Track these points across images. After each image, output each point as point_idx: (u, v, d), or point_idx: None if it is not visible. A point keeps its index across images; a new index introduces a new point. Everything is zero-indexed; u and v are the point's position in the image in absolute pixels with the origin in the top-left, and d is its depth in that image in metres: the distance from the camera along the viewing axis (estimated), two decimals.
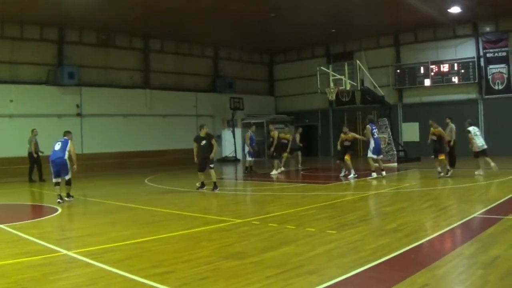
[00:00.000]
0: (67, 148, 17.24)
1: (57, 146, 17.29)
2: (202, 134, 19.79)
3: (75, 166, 17.44)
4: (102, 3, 26.93)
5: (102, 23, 31.84)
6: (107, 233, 11.23)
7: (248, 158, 27.96)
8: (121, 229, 11.74)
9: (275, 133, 26.70)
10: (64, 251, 9.17)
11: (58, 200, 16.78)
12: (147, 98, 36.36)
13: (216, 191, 19.29)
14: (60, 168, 17.19)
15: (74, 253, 9.02)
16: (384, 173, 22.85)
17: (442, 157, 21.86)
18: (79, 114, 32.25)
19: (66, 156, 17.15)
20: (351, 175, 22.67)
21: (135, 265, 8.06)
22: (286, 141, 27.24)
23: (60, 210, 15.17)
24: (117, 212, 14.82)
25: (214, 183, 19.63)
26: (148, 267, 7.90)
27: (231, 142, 40.28)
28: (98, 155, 31.82)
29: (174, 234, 10.71)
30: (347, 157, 22.95)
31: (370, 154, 23.45)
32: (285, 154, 27.24)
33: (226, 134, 40.94)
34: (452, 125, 25.55)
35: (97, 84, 33.70)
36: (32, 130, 26.39)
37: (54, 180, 17.22)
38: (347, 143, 23.33)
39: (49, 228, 12.38)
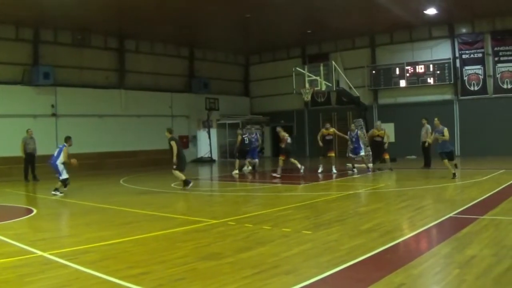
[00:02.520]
0: (61, 155, 19.41)
1: (55, 153, 19.72)
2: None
3: (74, 162, 19.62)
4: (78, 3, 26.77)
5: (78, 23, 31.66)
6: (82, 234, 11.19)
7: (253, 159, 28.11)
8: (97, 230, 11.70)
9: (284, 134, 26.70)
10: (40, 253, 9.10)
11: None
12: (122, 99, 36.24)
13: (188, 188, 19.80)
14: (55, 170, 19.43)
15: (49, 254, 8.94)
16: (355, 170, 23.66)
17: (386, 156, 23.68)
18: (54, 114, 32.05)
19: (59, 161, 19.30)
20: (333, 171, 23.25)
21: (111, 266, 8.03)
22: (331, 137, 26.46)
23: (35, 211, 15.09)
24: (92, 213, 14.75)
25: (183, 181, 20.14)
26: (124, 268, 7.89)
27: (207, 143, 40.25)
28: (73, 156, 31.30)
29: (149, 235, 10.69)
30: (331, 154, 23.54)
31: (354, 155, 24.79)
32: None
33: (202, 135, 40.90)
34: (428, 126, 25.73)
35: (72, 84, 33.47)
36: (27, 130, 26.72)
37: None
38: (329, 137, 24.97)
39: (24, 229, 12.30)
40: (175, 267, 7.87)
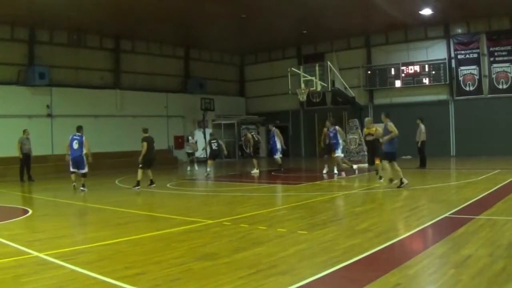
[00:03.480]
0: (84, 145, 20.05)
1: (75, 145, 19.99)
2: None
3: (90, 159, 20.21)
4: (73, 3, 26.79)
5: (73, 23, 31.67)
6: (78, 234, 11.20)
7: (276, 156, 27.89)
8: (93, 230, 11.71)
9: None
10: (35, 253, 9.09)
11: (74, 184, 20.42)
12: (117, 99, 36.23)
13: (135, 189, 20.79)
14: (79, 164, 20.16)
15: (45, 255, 8.92)
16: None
17: (377, 161, 20.68)
18: (49, 115, 32.03)
19: (84, 153, 20.02)
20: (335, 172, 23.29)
21: (107, 267, 8.02)
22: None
23: (31, 211, 15.08)
24: (88, 214, 14.77)
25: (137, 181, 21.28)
26: (120, 269, 7.88)
27: (202, 143, 40.24)
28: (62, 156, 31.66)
29: (145, 236, 10.68)
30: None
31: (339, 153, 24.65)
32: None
33: (197, 135, 40.91)
34: (422, 126, 25.75)
35: (67, 84, 33.47)
36: (24, 131, 26.68)
37: (71, 170, 20.50)
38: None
39: (20, 229, 12.27)
40: (171, 268, 7.87)
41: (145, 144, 21.19)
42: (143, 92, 38.00)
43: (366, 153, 27.69)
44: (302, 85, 29.16)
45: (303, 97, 29.56)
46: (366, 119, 22.09)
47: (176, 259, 8.46)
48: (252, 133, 28.55)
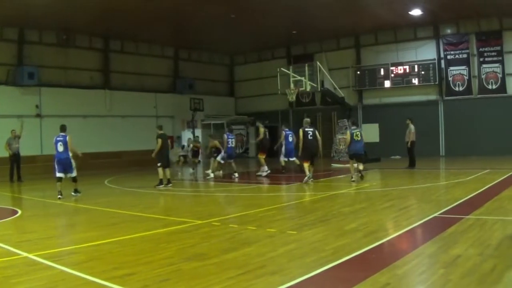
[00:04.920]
0: (68, 145, 18.30)
1: (60, 147, 18.26)
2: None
3: (79, 153, 19.06)
4: (62, 3, 26.70)
5: (62, 23, 31.53)
6: (67, 235, 11.19)
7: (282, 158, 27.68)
8: (81, 231, 11.69)
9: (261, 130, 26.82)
10: (25, 254, 9.07)
11: (59, 196, 17.64)
12: (106, 99, 36.14)
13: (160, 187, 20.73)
14: (67, 166, 18.35)
15: (34, 255, 8.89)
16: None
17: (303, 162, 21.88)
18: (38, 115, 31.92)
19: (71, 154, 18.43)
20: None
21: (96, 268, 8.01)
22: None
23: (20, 212, 15.04)
24: (77, 214, 14.75)
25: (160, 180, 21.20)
26: (109, 269, 7.86)
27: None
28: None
29: (134, 236, 10.66)
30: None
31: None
32: None
33: (187, 135, 40.83)
34: (412, 126, 25.83)
35: (57, 84, 33.38)
36: (11, 131, 26.69)
37: (58, 175, 18.20)
38: None
39: (8, 230, 12.24)
40: (160, 268, 7.86)
41: (160, 141, 21.19)
42: (133, 92, 37.92)
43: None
44: (292, 85, 29.10)
45: (292, 97, 29.49)
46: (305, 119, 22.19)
47: (166, 259, 8.45)
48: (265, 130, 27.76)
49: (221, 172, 26.38)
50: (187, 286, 6.96)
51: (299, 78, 29.00)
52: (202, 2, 28.28)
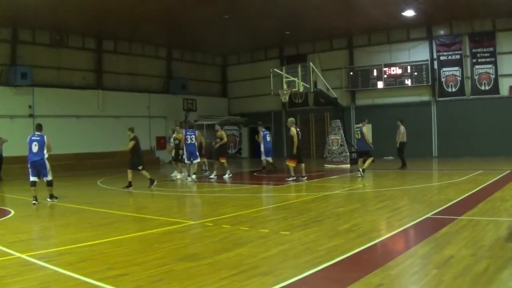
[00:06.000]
0: (45, 146, 16.94)
1: (35, 147, 16.78)
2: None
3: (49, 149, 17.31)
4: (56, 3, 26.68)
5: (56, 23, 31.56)
6: (60, 235, 11.15)
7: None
8: (74, 231, 11.64)
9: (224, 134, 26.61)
10: (18, 254, 9.06)
11: (33, 202, 16.50)
12: (99, 99, 36.10)
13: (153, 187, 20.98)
14: (41, 169, 16.91)
15: (27, 256, 8.90)
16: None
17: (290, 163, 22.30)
18: (31, 115, 31.85)
19: (46, 156, 16.94)
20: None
21: (89, 268, 7.99)
22: None
23: (13, 212, 14.98)
24: (70, 214, 14.69)
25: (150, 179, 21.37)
26: (102, 270, 7.86)
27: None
28: (51, 157, 31.20)
29: (127, 236, 10.67)
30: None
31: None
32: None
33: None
34: (402, 127, 25.90)
35: (50, 84, 33.38)
36: None
37: (31, 179, 16.81)
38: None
39: (1, 230, 12.14)
40: (153, 269, 7.86)
41: (132, 143, 21.05)
42: (125, 92, 37.94)
43: (347, 153, 28.08)
44: (285, 86, 29.09)
45: (285, 98, 29.48)
46: (289, 119, 22.27)
47: (159, 260, 8.45)
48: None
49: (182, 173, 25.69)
50: (180, 286, 6.97)
51: (292, 78, 28.99)
52: (195, 3, 28.26)
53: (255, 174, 27.28)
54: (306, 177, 22.13)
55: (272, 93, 31.05)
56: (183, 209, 16.29)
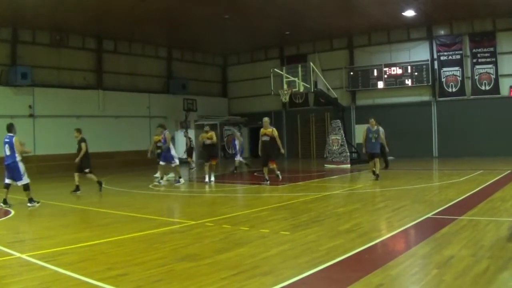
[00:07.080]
0: (15, 148, 15.95)
1: (7, 149, 15.96)
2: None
3: (28, 149, 17.49)
4: (56, 3, 26.68)
5: (56, 23, 31.56)
6: (60, 235, 11.13)
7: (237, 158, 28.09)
8: (74, 231, 11.65)
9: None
10: (18, 254, 9.07)
11: (0, 204, 16.00)
12: (99, 99, 36.09)
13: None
14: (13, 172, 16.09)
15: (27, 256, 8.90)
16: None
17: (272, 165, 21.54)
18: (31, 115, 31.87)
19: (19, 158, 16.04)
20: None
21: (89, 268, 8.00)
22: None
23: (13, 212, 14.97)
24: (70, 214, 14.70)
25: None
26: (102, 270, 7.86)
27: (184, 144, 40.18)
28: (51, 157, 31.47)
29: (127, 236, 10.67)
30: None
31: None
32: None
33: (180, 136, 40.79)
34: (380, 128, 25.89)
35: (50, 84, 33.40)
36: None
37: (5, 181, 16.15)
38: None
39: (2, 230, 12.15)
40: (153, 269, 7.86)
41: (84, 145, 20.05)
42: (126, 92, 37.94)
43: (348, 153, 27.97)
44: (285, 86, 29.09)
45: (285, 98, 29.48)
46: (265, 118, 21.32)
47: (159, 260, 8.45)
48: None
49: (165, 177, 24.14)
50: (180, 286, 6.97)
51: (292, 78, 29.00)
52: (196, 3, 28.25)
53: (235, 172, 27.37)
54: (269, 181, 21.38)
55: (272, 93, 31.06)
56: (183, 209, 16.29)
